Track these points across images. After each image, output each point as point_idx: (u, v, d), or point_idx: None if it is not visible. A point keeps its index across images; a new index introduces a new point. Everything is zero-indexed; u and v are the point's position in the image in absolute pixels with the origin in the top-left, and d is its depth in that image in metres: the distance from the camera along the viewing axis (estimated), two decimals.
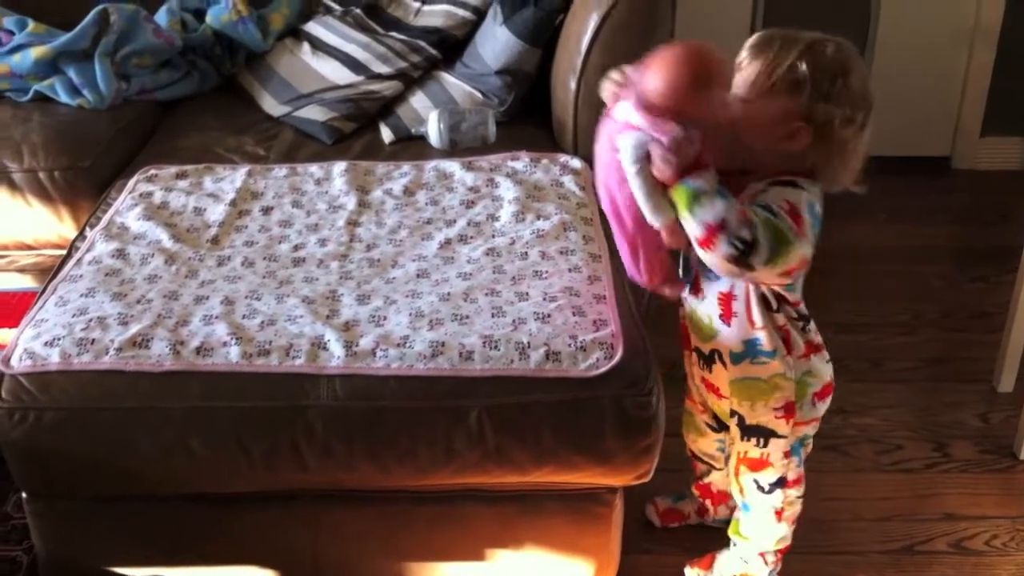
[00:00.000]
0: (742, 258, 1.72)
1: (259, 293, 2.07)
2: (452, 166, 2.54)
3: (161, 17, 3.13)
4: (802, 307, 1.97)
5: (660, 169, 1.72)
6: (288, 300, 2.05)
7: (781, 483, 2.10)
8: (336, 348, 1.92)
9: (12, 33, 3.05)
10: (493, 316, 1.98)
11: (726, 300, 1.94)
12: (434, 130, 2.73)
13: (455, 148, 2.71)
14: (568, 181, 2.44)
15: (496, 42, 2.87)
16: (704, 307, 1.99)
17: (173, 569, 2.12)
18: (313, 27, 3.16)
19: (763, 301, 1.93)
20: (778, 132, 1.84)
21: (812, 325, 2.00)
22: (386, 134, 2.83)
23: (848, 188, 1.91)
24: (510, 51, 2.84)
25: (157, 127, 3.02)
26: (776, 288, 1.91)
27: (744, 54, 1.88)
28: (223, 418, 1.90)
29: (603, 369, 1.88)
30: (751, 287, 1.91)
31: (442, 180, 2.49)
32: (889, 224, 3.74)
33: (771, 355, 1.95)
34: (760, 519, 2.15)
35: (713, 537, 2.36)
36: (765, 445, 2.06)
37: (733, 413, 2.06)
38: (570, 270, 2.12)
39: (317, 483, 1.99)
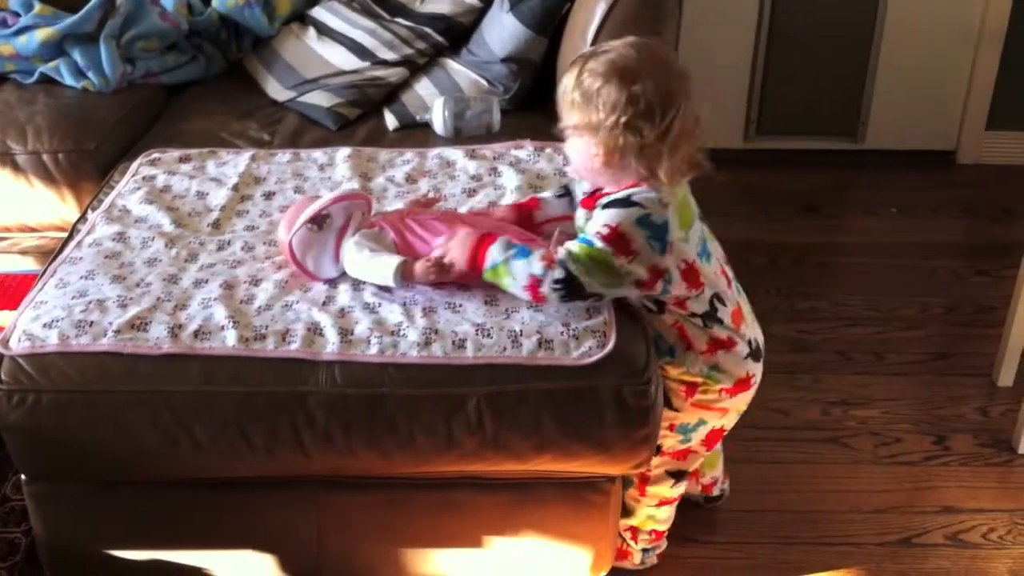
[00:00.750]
0: (575, 294, 1.85)
1: (258, 278, 2.07)
2: (455, 154, 2.54)
3: (167, 0, 3.13)
4: (696, 306, 1.97)
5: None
6: (286, 286, 2.06)
7: (656, 450, 2.11)
8: (331, 334, 1.92)
9: (18, 15, 3.05)
10: (486, 304, 1.97)
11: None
12: (438, 117, 2.73)
13: (459, 136, 2.71)
14: (571, 171, 2.43)
15: (502, 30, 2.86)
16: None
17: (173, 553, 2.12)
18: (319, 12, 3.16)
19: (645, 307, 1.98)
20: (586, 157, 1.88)
21: (725, 324, 2.01)
22: (390, 121, 2.83)
23: (684, 180, 1.91)
24: (516, 39, 2.84)
25: (162, 111, 3.02)
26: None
27: None
28: (223, 403, 1.90)
29: (595, 357, 1.88)
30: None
31: (445, 168, 2.49)
32: (895, 218, 3.74)
33: (671, 354, 2.02)
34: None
35: (709, 528, 2.38)
36: None
37: None
38: None
39: (318, 469, 1.99)
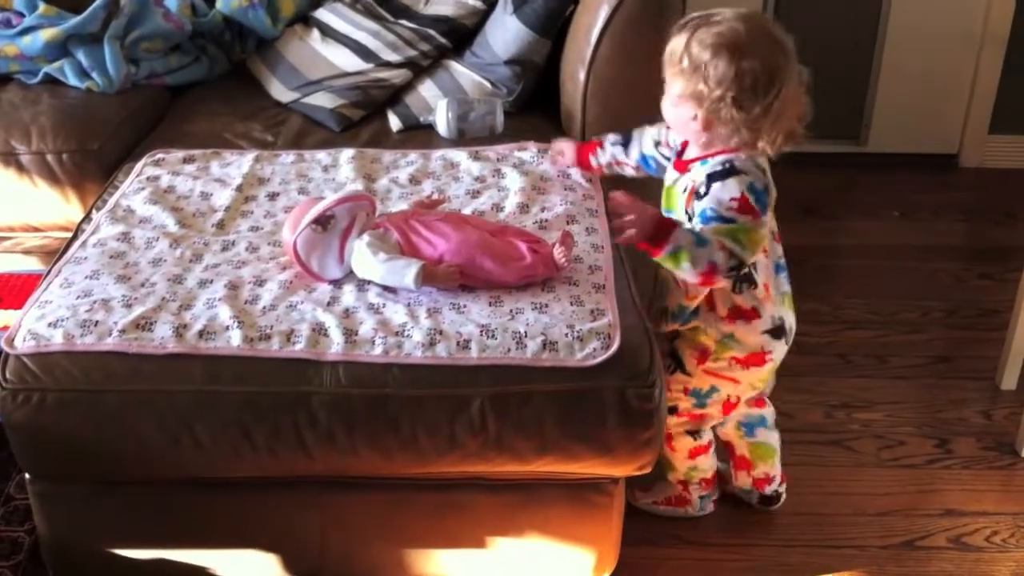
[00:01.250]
0: (739, 271, 1.91)
1: (262, 279, 2.07)
2: (459, 156, 2.54)
3: (171, 1, 3.12)
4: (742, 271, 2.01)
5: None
6: (290, 286, 2.06)
7: (672, 411, 2.20)
8: (336, 335, 1.92)
9: (22, 15, 3.05)
10: (491, 305, 1.98)
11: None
12: (442, 119, 2.73)
13: (463, 138, 2.71)
14: (575, 172, 2.43)
15: (506, 32, 2.86)
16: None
17: (176, 552, 2.12)
18: (323, 14, 3.16)
19: None
20: (685, 120, 1.94)
21: (753, 292, 2.06)
22: (394, 122, 2.83)
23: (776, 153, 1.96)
24: (520, 41, 2.84)
25: (166, 112, 3.02)
26: None
27: None
28: (227, 403, 1.90)
29: (600, 359, 1.88)
30: None
31: (448, 169, 2.49)
32: (897, 221, 3.74)
33: (696, 314, 2.09)
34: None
35: (711, 530, 2.37)
36: (673, 371, 2.17)
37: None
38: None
39: (320, 470, 1.99)
